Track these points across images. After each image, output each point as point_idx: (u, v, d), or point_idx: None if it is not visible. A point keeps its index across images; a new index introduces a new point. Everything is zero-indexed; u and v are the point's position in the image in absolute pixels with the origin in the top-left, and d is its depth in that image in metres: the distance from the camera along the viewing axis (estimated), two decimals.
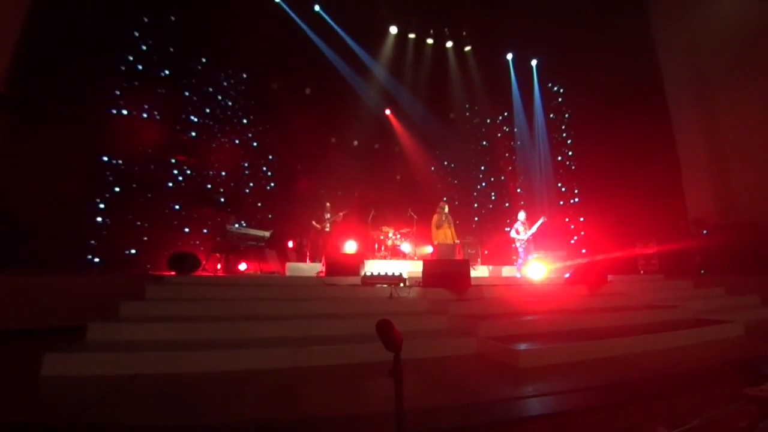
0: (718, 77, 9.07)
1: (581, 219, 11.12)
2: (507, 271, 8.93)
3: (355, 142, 11.49)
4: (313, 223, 8.62)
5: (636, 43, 9.76)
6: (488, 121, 13.09)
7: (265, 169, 10.36)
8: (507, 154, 12.70)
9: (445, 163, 12.99)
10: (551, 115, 12.23)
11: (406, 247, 9.46)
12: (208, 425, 2.20)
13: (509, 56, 12.41)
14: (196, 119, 9.20)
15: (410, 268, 7.29)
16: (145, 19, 8.36)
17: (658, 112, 9.84)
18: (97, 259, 7.23)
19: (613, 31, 9.66)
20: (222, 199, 8.43)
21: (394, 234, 9.40)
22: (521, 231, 8.16)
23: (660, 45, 10.10)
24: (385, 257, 9.03)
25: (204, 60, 9.40)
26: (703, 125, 9.31)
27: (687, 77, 9.63)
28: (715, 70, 9.11)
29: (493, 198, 12.86)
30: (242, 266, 8.03)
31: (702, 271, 8.16)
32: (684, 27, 9.62)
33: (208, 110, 9.45)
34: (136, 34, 8.24)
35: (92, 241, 7.27)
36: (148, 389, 2.71)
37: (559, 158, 11.91)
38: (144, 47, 8.34)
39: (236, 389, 2.76)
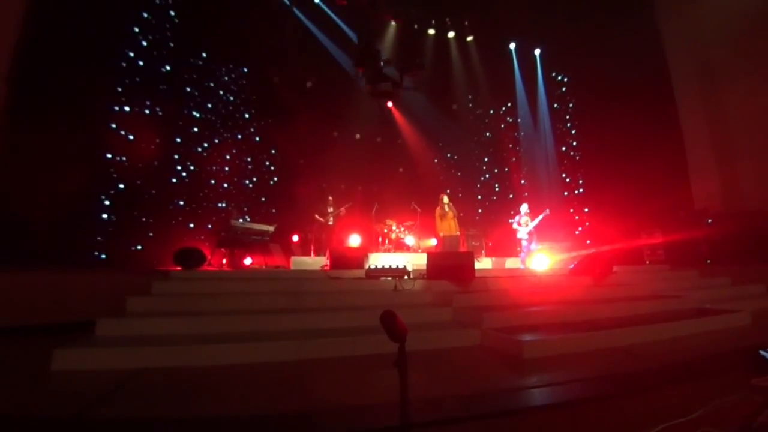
0: (724, 65, 8.90)
1: (586, 210, 11.06)
2: (511, 262, 8.92)
3: (358, 136, 11.44)
4: (317, 217, 8.62)
5: (641, 31, 9.57)
6: (491, 111, 12.96)
7: (267, 163, 10.36)
8: (510, 145, 12.59)
9: (448, 155, 12.89)
10: (555, 105, 12.11)
11: (409, 239, 9.46)
12: (216, 417, 2.23)
13: (512, 46, 12.26)
14: (198, 114, 9.20)
15: (414, 261, 7.29)
16: (145, 15, 8.33)
17: (663, 100, 9.67)
18: (103, 256, 7.28)
19: (617, 19, 9.49)
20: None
21: (398, 227, 9.41)
22: (523, 224, 8.15)
23: (665, 32, 9.90)
24: (388, 250, 9.05)
25: (204, 55, 9.36)
26: (709, 113, 9.16)
27: (693, 65, 9.46)
28: (722, 58, 8.94)
29: (496, 189, 12.79)
30: (247, 261, 8.08)
31: (708, 261, 8.10)
32: (689, 14, 9.43)
33: (209, 105, 9.44)
34: (136, 30, 8.21)
35: (98, 238, 7.32)
36: (157, 383, 2.75)
37: (564, 149, 11.81)
38: (144, 43, 8.32)
39: (243, 382, 2.79)
